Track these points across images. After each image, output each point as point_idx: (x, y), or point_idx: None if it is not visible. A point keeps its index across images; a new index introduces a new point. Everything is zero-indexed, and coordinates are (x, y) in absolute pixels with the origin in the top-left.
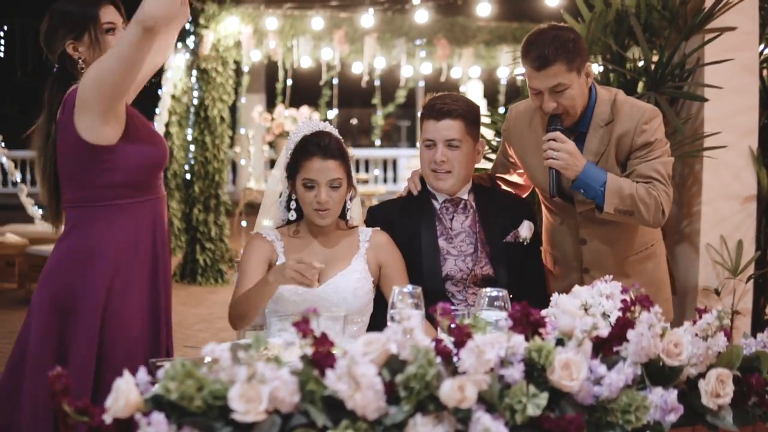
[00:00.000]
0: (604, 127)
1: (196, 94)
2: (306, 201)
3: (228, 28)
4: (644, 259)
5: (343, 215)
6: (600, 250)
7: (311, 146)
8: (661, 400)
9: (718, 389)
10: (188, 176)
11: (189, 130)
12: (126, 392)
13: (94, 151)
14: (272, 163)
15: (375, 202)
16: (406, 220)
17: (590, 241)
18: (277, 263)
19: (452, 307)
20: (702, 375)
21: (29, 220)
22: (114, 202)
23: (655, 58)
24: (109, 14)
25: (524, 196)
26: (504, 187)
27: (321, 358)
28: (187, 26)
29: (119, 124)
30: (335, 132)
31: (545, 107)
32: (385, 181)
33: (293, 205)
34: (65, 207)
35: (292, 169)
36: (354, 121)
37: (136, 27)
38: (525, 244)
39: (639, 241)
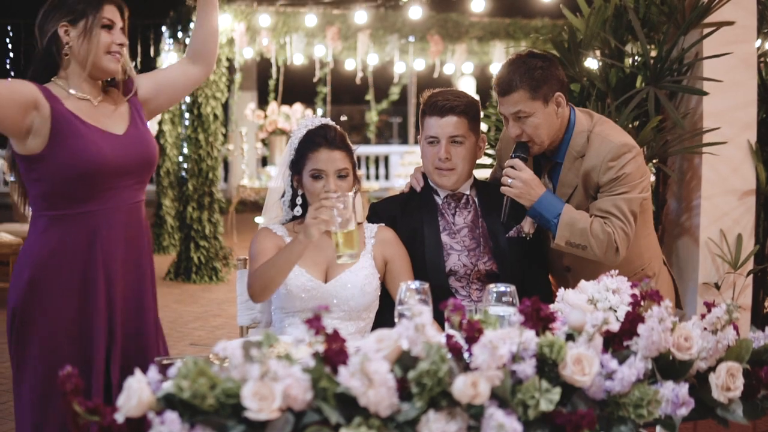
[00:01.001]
0: (579, 159)
1: None
2: (314, 192)
3: (220, 25)
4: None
5: None
6: (585, 279)
7: (317, 138)
8: (673, 394)
9: (728, 383)
10: (182, 174)
11: (183, 127)
12: (138, 391)
13: (26, 160)
14: (264, 161)
15: (370, 198)
16: (409, 216)
17: (574, 268)
18: None
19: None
20: (712, 369)
21: (23, 218)
22: (45, 212)
23: (653, 53)
24: (111, 12)
25: None
26: None
27: (333, 355)
28: (180, 23)
29: (38, 137)
30: (338, 127)
31: (509, 132)
32: (377, 177)
33: (299, 201)
34: None
35: (298, 164)
36: (344, 118)
37: None
38: (528, 238)
39: (626, 268)
